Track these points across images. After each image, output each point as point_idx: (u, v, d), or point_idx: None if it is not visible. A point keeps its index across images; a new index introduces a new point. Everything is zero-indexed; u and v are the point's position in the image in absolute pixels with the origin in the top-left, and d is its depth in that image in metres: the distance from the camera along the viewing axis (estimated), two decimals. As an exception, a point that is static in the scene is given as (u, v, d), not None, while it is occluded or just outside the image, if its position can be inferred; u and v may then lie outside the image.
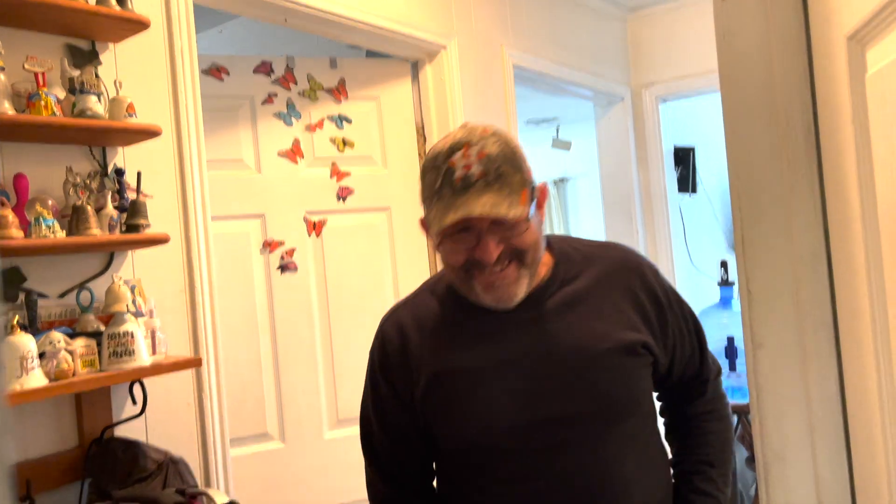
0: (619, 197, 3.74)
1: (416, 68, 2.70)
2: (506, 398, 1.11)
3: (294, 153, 2.49)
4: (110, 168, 1.66)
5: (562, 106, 5.13)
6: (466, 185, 1.03)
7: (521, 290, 1.10)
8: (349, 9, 2.31)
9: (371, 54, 2.72)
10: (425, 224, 1.13)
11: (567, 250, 1.21)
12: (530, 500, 1.12)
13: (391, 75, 2.68)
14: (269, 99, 2.47)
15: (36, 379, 1.34)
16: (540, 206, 1.13)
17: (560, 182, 6.80)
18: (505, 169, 1.05)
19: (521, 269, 1.09)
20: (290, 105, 2.50)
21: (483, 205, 1.02)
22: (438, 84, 2.66)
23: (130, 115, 1.59)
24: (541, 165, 6.95)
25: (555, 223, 6.76)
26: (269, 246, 2.43)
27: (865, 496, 0.95)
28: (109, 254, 1.66)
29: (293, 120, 2.50)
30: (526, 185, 1.07)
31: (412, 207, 2.58)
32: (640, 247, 3.65)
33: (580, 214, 6.71)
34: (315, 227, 2.51)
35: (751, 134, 1.00)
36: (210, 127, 2.12)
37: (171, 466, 1.54)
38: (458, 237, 1.06)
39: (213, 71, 2.38)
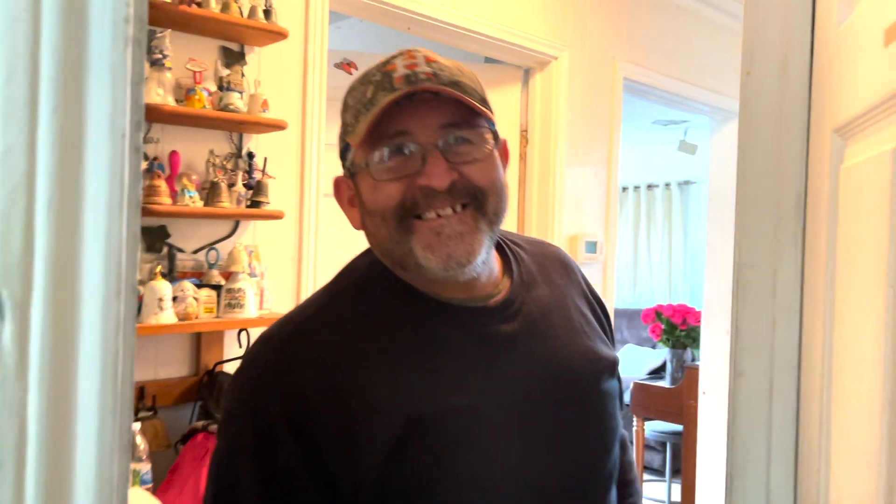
0: (725, 212, 3.77)
1: (527, 75, 2.90)
2: (504, 455, 0.81)
3: (406, 145, 2.78)
4: (244, 151, 2.00)
5: (687, 112, 5.14)
6: (411, 82, 0.77)
7: (480, 252, 0.80)
8: (468, 20, 2.54)
9: (487, 59, 2.95)
10: (342, 182, 0.86)
11: (513, 248, 0.94)
12: None
13: (503, 80, 2.89)
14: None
15: (168, 317, 1.71)
16: (503, 161, 0.86)
17: (684, 185, 6.76)
18: (465, 81, 0.80)
19: (479, 220, 0.80)
20: (407, 101, 2.78)
21: (435, 88, 0.76)
22: (546, 92, 2.86)
23: (264, 111, 1.92)
24: (665, 167, 6.85)
25: (674, 225, 6.75)
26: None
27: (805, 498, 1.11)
28: (235, 222, 2.01)
29: (409, 115, 2.78)
30: (488, 110, 0.82)
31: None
32: (738, 264, 3.68)
33: (701, 219, 6.66)
34: (417, 213, 2.79)
35: (755, 194, 1.15)
36: (335, 113, 2.44)
37: (263, 402, 1.88)
38: (390, 164, 0.78)
39: (344, 65, 2.69)
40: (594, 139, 2.93)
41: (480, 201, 0.80)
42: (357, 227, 0.87)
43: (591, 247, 2.85)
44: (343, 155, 0.86)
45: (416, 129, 0.78)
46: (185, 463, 1.57)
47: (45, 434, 0.42)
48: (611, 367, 0.94)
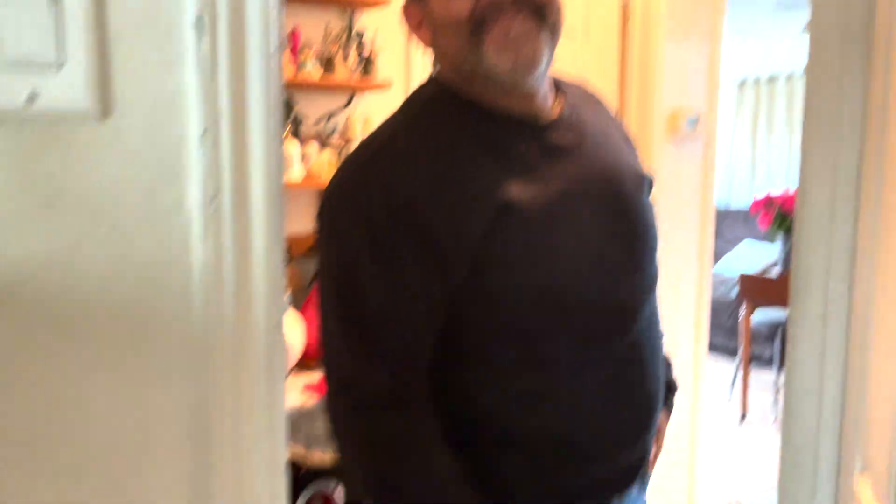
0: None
1: (629, -50, 2.89)
2: (583, 240, 0.92)
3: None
4: (355, 27, 2.19)
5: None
6: None
7: (542, 57, 0.89)
8: None
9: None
10: (410, 7, 0.94)
11: (558, 80, 1.03)
12: (627, 363, 0.96)
13: (605, -43, 2.89)
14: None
15: (298, 174, 1.95)
16: None
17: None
18: None
19: (541, 29, 0.88)
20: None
21: None
22: (648, -34, 2.84)
23: (373, -13, 2.09)
24: (792, 54, 6.43)
25: (795, 120, 6.45)
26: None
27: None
28: (350, 94, 2.22)
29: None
30: None
31: (608, 80, 2.87)
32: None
33: (826, 113, 6.30)
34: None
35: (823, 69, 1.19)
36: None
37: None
38: None
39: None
40: (699, 12, 2.91)
41: (542, 14, 0.88)
42: (427, 44, 0.95)
43: (693, 122, 2.87)
44: None
45: None
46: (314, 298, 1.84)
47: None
48: (650, 183, 1.05)
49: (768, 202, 4.35)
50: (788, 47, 6.19)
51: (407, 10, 0.95)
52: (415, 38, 0.97)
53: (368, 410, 0.86)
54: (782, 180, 6.53)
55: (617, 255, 0.95)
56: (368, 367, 0.86)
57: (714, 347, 4.35)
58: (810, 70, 1.17)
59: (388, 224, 0.84)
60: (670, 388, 1.13)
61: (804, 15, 5.59)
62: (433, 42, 0.93)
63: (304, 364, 1.72)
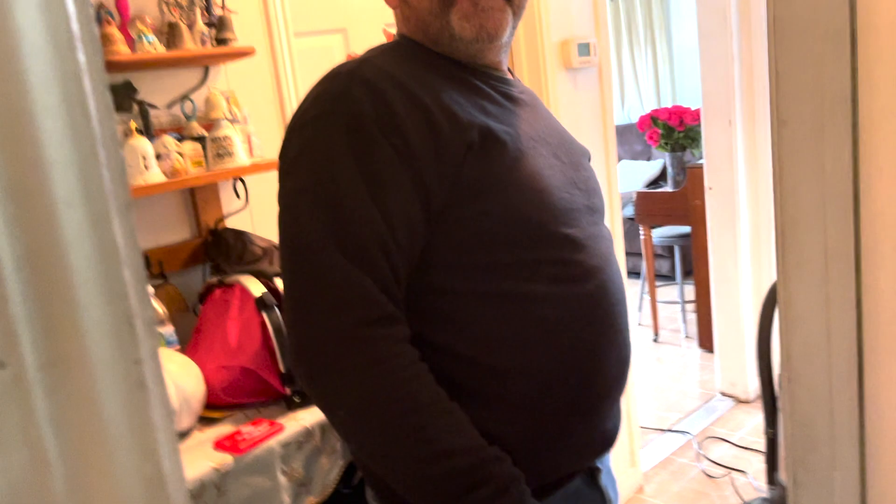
0: (715, 3, 3.55)
1: None
2: (552, 177, 0.94)
3: (371, -35, 2.54)
4: (198, -14, 1.80)
5: None
6: None
7: (506, 30, 0.94)
8: None
9: None
10: None
11: None
12: (604, 300, 0.95)
13: None
14: None
15: (155, 175, 1.59)
16: None
17: (663, -13, 6.41)
18: None
19: (506, 4, 0.92)
20: (364, -86, 2.51)
21: None
22: None
23: (209, -67, 1.70)
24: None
25: (656, 29, 6.47)
26: (350, 58, 2.55)
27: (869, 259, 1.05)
28: (205, 68, 1.84)
29: (368, -70, 2.52)
30: None
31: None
32: (735, 57, 3.51)
33: (684, 19, 6.36)
34: (395, 40, 2.60)
35: None
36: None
37: (274, 252, 1.80)
38: None
39: None
40: (572, -70, 2.68)
41: None
42: (392, 5, 0.96)
43: (584, 49, 2.68)
44: None
45: None
46: (208, 320, 1.51)
47: (6, 189, 0.32)
48: (589, 155, 1.10)
49: (652, 119, 4.29)
50: (641, -41, 6.14)
51: None
52: None
53: (369, 328, 0.79)
54: (651, 94, 6.58)
55: (578, 201, 0.96)
56: (361, 283, 0.79)
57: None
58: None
59: (374, 135, 0.81)
60: None
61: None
62: (402, 1, 0.94)
63: (208, 417, 1.40)
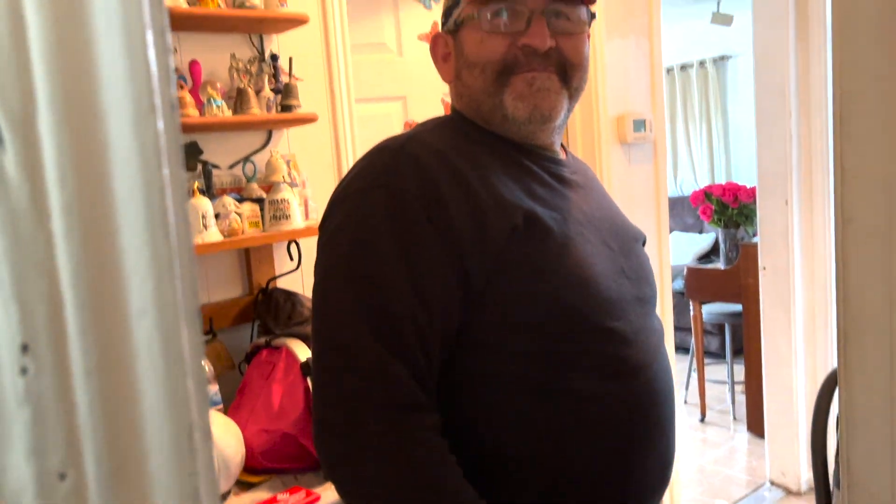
0: (775, 78, 3.54)
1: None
2: (599, 265, 0.89)
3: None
4: (267, 54, 1.87)
5: (722, -23, 4.82)
6: None
7: (560, 112, 0.91)
8: None
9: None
10: (440, 39, 0.95)
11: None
12: (648, 401, 0.89)
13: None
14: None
15: (213, 234, 1.62)
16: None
17: (720, 60, 6.44)
18: None
19: (562, 87, 0.90)
20: (429, -12, 2.60)
21: None
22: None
23: (282, 5, 1.77)
24: (698, 42, 6.60)
25: (712, 105, 6.46)
26: (409, 126, 2.60)
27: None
28: (268, 131, 1.89)
29: (432, 3, 2.60)
30: None
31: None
32: (793, 136, 3.48)
33: (740, 96, 6.35)
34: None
35: (855, 7, 1.00)
36: (355, 12, 2.28)
37: (322, 314, 1.82)
38: (499, 21, 0.87)
39: (358, -43, 2.50)
40: (633, 8, 2.72)
41: (569, 74, 0.90)
42: (448, 80, 0.96)
43: (640, 125, 2.68)
44: (449, 11, 0.93)
45: None
46: (252, 381, 1.51)
47: (83, 299, 0.32)
48: (644, 240, 1.07)
49: (706, 195, 4.25)
50: (697, 34, 6.20)
51: (436, 41, 0.96)
52: (438, 69, 0.98)
53: (397, 413, 0.76)
54: (704, 168, 6.54)
55: (627, 291, 0.92)
56: (393, 369, 0.77)
57: (667, 349, 4.24)
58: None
59: (417, 213, 0.80)
60: None
61: (710, 2, 5.61)
62: (456, 76, 0.94)
63: (245, 481, 1.40)
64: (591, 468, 0.86)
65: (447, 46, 0.94)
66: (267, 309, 1.81)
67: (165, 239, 0.34)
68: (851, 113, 1.07)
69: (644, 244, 1.07)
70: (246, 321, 1.86)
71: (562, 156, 1.00)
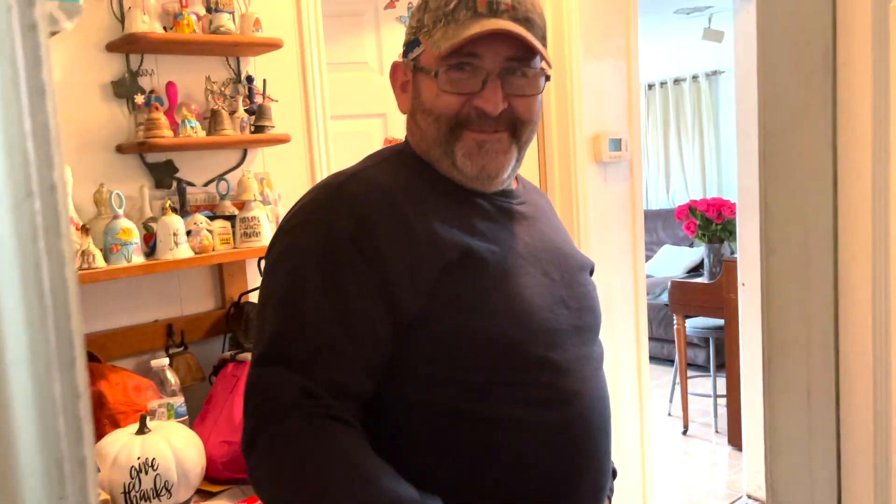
0: (754, 101, 3.60)
1: (534, -32, 2.74)
2: (537, 296, 0.92)
3: (413, 56, 2.68)
4: (243, 75, 1.93)
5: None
6: (492, 10, 0.88)
7: (507, 170, 0.95)
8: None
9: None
10: (400, 68, 0.96)
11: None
12: (582, 428, 0.92)
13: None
14: (391, 3, 2.64)
15: (184, 251, 1.68)
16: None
17: (712, 75, 6.50)
18: (535, 17, 0.92)
19: (513, 145, 0.93)
20: (409, 9, 2.66)
21: (513, 28, 0.87)
22: (555, -16, 2.70)
23: (257, 30, 1.84)
24: (691, 59, 6.66)
25: (704, 119, 6.53)
26: (389, 143, 2.67)
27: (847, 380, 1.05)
28: (243, 151, 1.96)
29: (413, 24, 2.67)
30: (546, 51, 0.93)
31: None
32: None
33: (732, 110, 6.40)
34: (432, 126, 2.71)
35: (777, 54, 1.05)
36: (337, 31, 2.35)
37: (291, 328, 1.87)
38: (456, 77, 0.89)
39: (341, -22, 2.57)
40: (610, 30, 2.78)
41: (519, 131, 0.93)
42: (404, 111, 0.98)
43: (616, 144, 2.74)
44: (410, 46, 0.95)
45: (486, 55, 0.88)
46: (217, 393, 1.57)
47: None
48: (591, 268, 1.10)
49: (690, 209, 4.30)
50: (689, 49, 6.27)
51: (395, 68, 0.98)
52: (395, 96, 1.00)
53: (303, 401, 0.80)
54: (696, 181, 6.60)
55: (565, 321, 0.95)
56: (297, 382, 0.80)
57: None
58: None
59: (348, 250, 0.84)
60: (612, 473, 1.08)
61: (703, 18, 5.68)
62: (412, 114, 0.96)
63: (206, 490, 1.45)
64: (520, 496, 0.88)
65: (406, 76, 0.96)
66: (237, 322, 1.87)
67: (40, 300, 0.40)
68: (773, 152, 1.13)
69: (591, 272, 1.10)
70: (219, 334, 1.92)
71: (513, 185, 1.03)
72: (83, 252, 1.54)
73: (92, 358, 1.65)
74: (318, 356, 0.82)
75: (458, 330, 0.86)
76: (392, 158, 0.97)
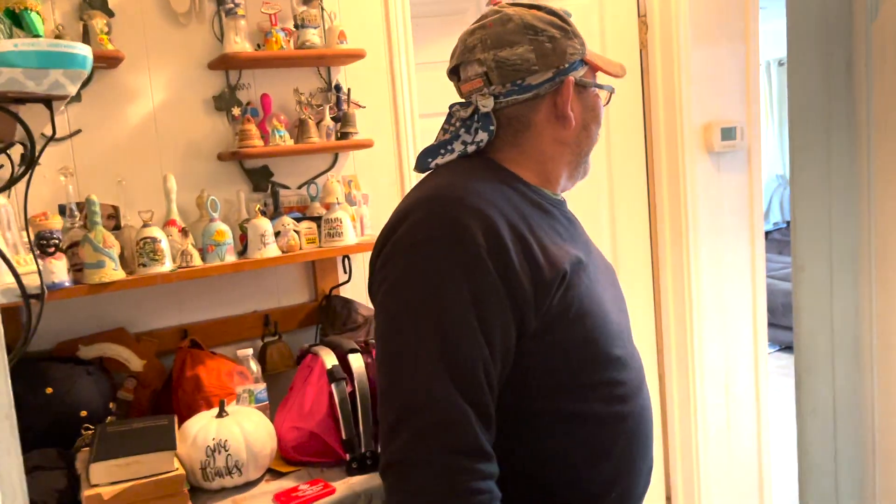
0: None
1: (642, -47, 2.65)
2: (608, 299, 1.02)
3: (515, 51, 2.69)
4: (333, 83, 2.06)
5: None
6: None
7: None
8: None
9: (597, -58, 2.72)
10: (572, 85, 1.02)
11: None
12: (644, 417, 1.02)
13: (616, -37, 2.67)
14: (492, 1, 2.67)
15: (272, 251, 1.84)
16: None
17: (783, 65, 5.89)
18: None
19: None
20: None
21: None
22: (663, -32, 2.59)
23: (341, 42, 1.95)
24: (762, 44, 6.15)
25: (775, 109, 5.97)
26: (490, 138, 2.71)
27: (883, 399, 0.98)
28: (335, 155, 2.09)
29: (515, 19, 2.68)
30: None
31: (631, 95, 2.64)
32: None
33: None
34: (533, 120, 2.72)
35: (806, 66, 0.98)
36: (434, 32, 2.43)
37: (373, 322, 1.99)
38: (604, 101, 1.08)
39: (443, -22, 2.63)
40: (726, 12, 2.63)
41: None
42: (570, 124, 1.03)
43: (730, 133, 2.60)
44: (573, 67, 1.02)
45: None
46: (296, 381, 1.71)
47: None
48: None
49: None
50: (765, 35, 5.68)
51: (569, 85, 1.01)
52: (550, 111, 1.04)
53: (459, 458, 0.83)
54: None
55: (623, 321, 1.05)
56: (464, 413, 0.84)
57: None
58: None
59: (486, 265, 0.87)
60: None
61: None
62: (584, 126, 1.05)
63: (278, 470, 1.60)
64: (601, 483, 0.97)
65: (578, 106, 1.04)
66: (326, 314, 2.02)
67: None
68: (802, 166, 1.07)
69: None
70: (311, 324, 2.08)
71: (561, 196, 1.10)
72: (182, 252, 1.74)
73: (195, 345, 1.86)
74: (475, 376, 0.85)
75: (569, 338, 0.93)
76: (482, 171, 0.99)
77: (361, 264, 2.12)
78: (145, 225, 1.71)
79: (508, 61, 0.98)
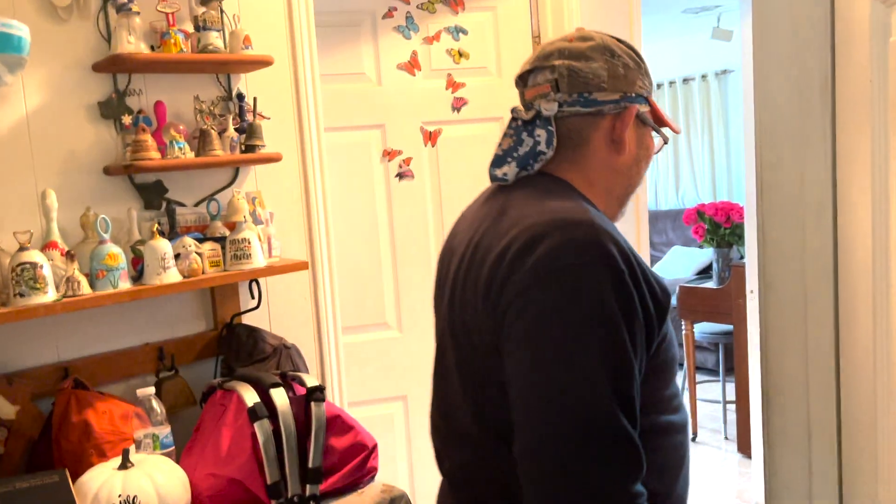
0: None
1: (534, -25, 2.69)
2: None
3: (412, 66, 2.63)
4: (234, 92, 1.89)
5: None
6: None
7: None
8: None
9: (490, -39, 2.73)
10: (633, 115, 1.03)
11: None
12: (687, 424, 1.08)
13: (509, -17, 2.69)
14: (389, 13, 2.59)
15: (172, 275, 1.65)
16: None
17: (721, 74, 6.40)
18: None
19: None
20: (408, 18, 2.62)
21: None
22: (556, -10, 2.65)
23: (246, 47, 1.80)
24: (701, 58, 6.56)
25: (714, 118, 6.44)
26: (388, 155, 2.62)
27: (849, 426, 1.01)
28: (235, 169, 1.92)
29: (411, 33, 2.62)
30: None
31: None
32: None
33: (742, 110, 6.30)
34: (431, 137, 2.66)
35: (775, 85, 1.01)
36: (334, 42, 2.32)
37: (283, 351, 1.84)
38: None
39: (339, -13, 2.53)
40: (611, 31, 2.72)
41: None
42: (622, 154, 1.02)
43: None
44: (636, 99, 1.02)
45: None
46: (205, 422, 1.54)
47: None
48: None
49: (699, 213, 4.23)
50: (698, 48, 6.19)
51: (631, 114, 1.01)
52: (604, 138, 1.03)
53: (635, 486, 0.86)
54: (706, 181, 6.51)
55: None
56: (633, 440, 0.86)
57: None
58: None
59: (630, 291, 0.88)
60: None
61: (711, 17, 5.59)
62: (636, 161, 1.04)
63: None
64: (680, 487, 1.04)
65: (633, 134, 1.04)
66: (229, 345, 1.84)
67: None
68: (770, 184, 1.08)
69: None
70: (210, 356, 1.89)
71: None
72: (68, 279, 1.51)
73: (79, 385, 1.62)
74: (634, 408, 0.88)
75: (665, 357, 0.96)
76: (579, 198, 1.01)
77: (271, 289, 1.95)
78: (22, 248, 1.47)
79: (581, 73, 1.01)
